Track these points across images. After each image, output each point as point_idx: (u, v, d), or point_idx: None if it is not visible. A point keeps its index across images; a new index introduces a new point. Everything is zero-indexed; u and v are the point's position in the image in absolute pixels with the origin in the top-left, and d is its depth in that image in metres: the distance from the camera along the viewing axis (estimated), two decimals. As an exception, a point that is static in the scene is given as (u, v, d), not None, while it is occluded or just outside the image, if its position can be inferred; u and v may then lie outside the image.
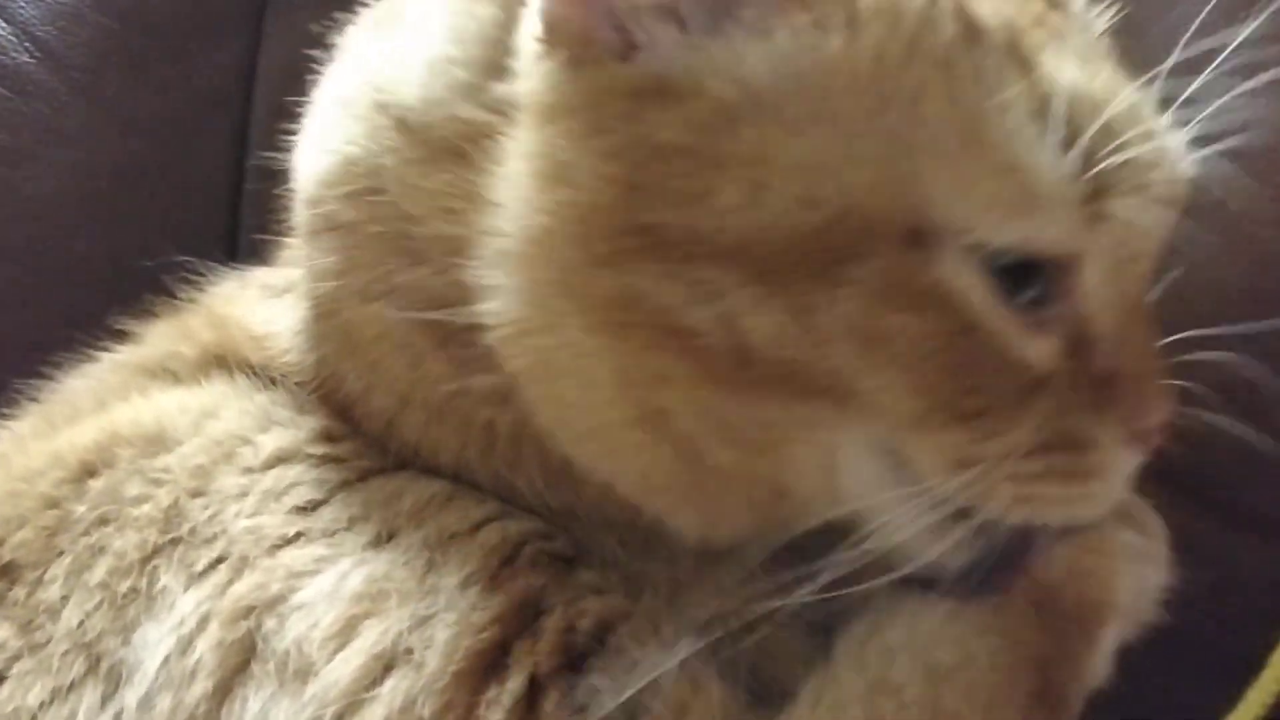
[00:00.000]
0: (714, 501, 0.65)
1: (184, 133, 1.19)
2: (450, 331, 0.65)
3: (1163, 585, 0.67)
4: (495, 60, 0.64)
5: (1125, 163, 0.58)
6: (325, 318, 0.71)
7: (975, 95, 0.57)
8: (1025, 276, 0.59)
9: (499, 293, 0.62)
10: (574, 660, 0.61)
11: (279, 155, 0.77)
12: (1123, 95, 0.59)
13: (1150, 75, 0.62)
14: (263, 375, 0.74)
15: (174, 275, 0.85)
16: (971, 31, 0.58)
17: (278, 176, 1.15)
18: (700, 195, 0.57)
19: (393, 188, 0.66)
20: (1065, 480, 0.61)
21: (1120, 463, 0.62)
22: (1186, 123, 0.62)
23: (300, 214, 0.73)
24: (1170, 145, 0.62)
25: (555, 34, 0.60)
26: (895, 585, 0.62)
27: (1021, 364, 0.59)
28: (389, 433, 0.70)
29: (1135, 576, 0.65)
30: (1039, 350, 0.60)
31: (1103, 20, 0.68)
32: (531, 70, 0.62)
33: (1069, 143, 0.57)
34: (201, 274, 0.84)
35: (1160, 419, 0.62)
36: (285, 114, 1.17)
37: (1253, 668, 0.69)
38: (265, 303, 0.78)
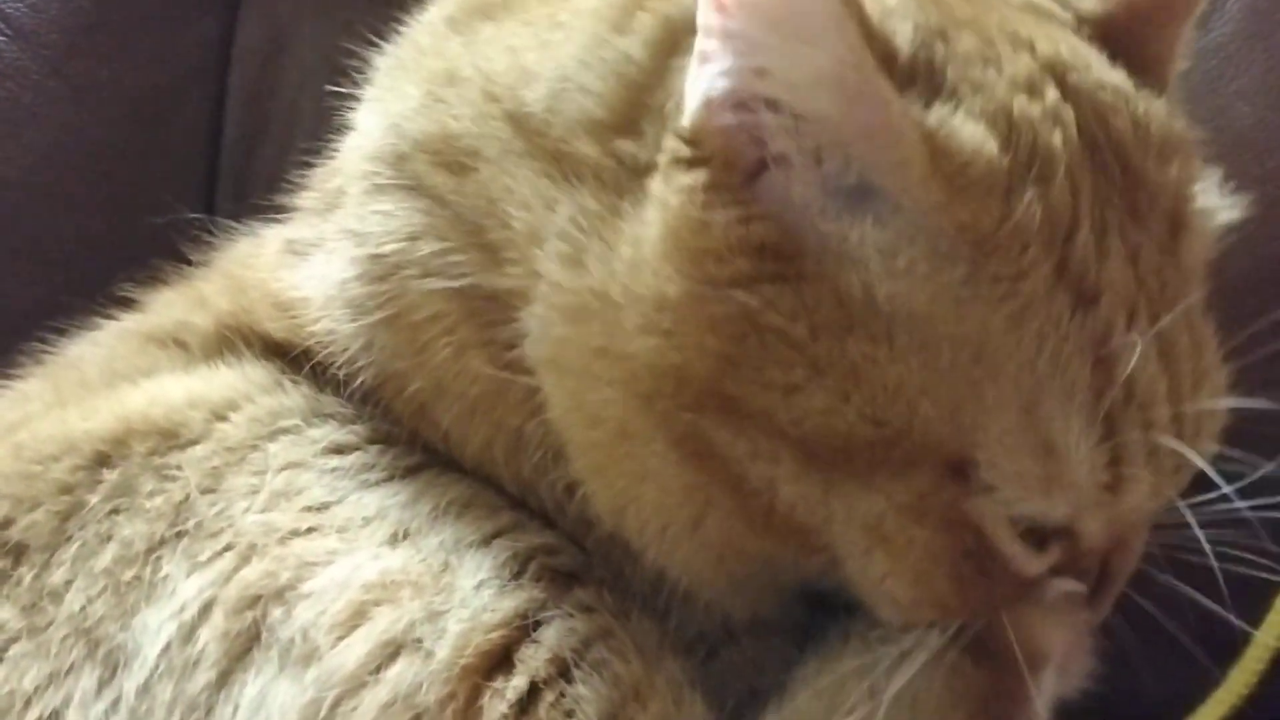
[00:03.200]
0: (744, 590, 0.68)
1: (158, 110, 1.17)
2: (494, 330, 0.66)
3: (1089, 668, 0.70)
4: (630, 112, 0.64)
5: (1150, 459, 0.60)
6: (379, 281, 0.70)
7: (1049, 373, 0.58)
8: None
9: (584, 392, 0.64)
10: (564, 670, 0.63)
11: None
12: (1172, 397, 0.61)
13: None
14: (279, 363, 0.74)
15: (170, 239, 0.85)
16: (1083, 299, 0.59)
17: (256, 152, 1.16)
18: (788, 390, 0.59)
19: (486, 170, 0.67)
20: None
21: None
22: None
23: (368, 163, 0.72)
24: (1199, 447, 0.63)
25: (699, 141, 0.60)
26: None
27: (1018, 577, 0.63)
28: (421, 415, 0.70)
29: (1067, 630, 0.67)
30: (1039, 564, 0.63)
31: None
32: (668, 175, 0.61)
33: (1107, 436, 0.59)
34: (211, 233, 0.84)
35: (1095, 620, 0.68)
36: (262, 90, 1.17)
37: (1236, 647, 0.73)
38: (290, 264, 0.77)
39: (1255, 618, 0.73)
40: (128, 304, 0.83)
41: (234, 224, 0.84)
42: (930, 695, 0.63)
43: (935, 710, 0.63)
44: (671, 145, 0.61)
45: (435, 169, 0.68)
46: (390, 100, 0.73)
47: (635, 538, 0.67)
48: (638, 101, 0.64)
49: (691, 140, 0.60)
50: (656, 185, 0.61)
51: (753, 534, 0.64)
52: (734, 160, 0.59)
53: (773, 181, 0.59)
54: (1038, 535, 0.62)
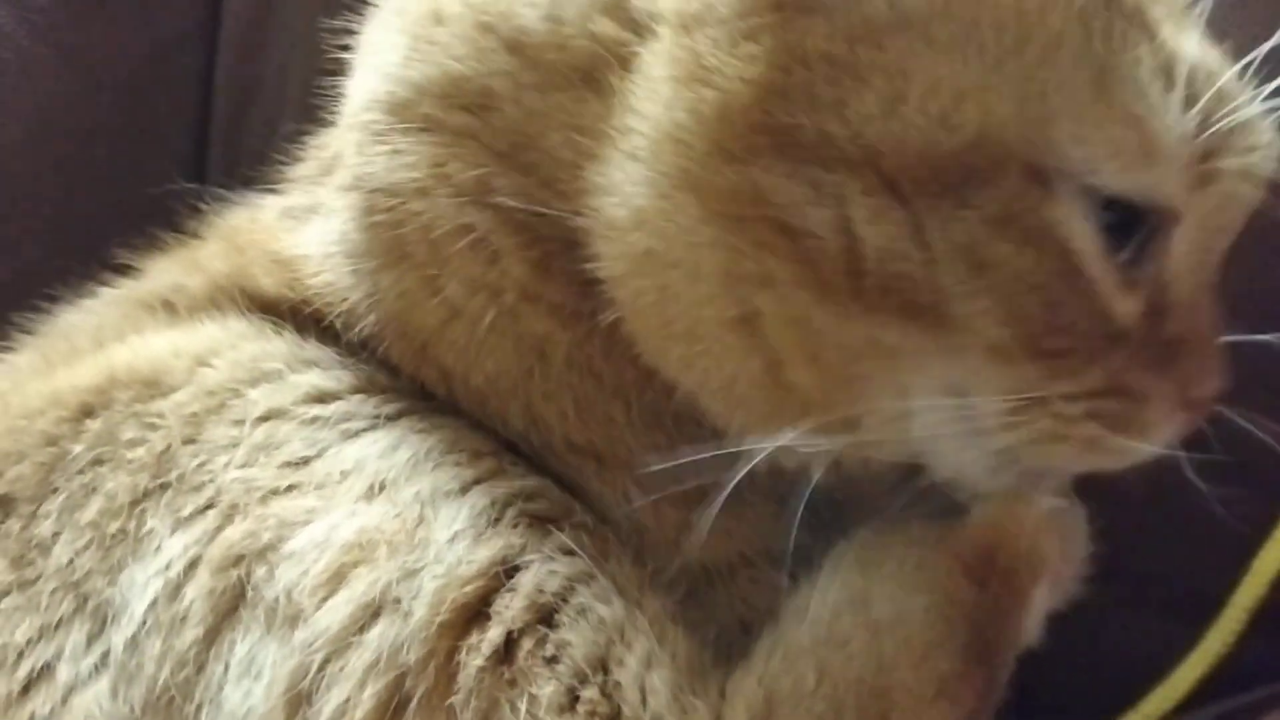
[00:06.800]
0: (787, 423, 0.65)
1: (148, 74, 1.16)
2: (539, 235, 0.67)
3: (1085, 557, 0.70)
4: None
5: (1235, 129, 0.62)
6: (380, 214, 0.70)
7: (1107, 50, 0.61)
8: (1124, 234, 0.62)
9: (620, 187, 0.64)
10: (545, 616, 0.64)
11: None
12: (1232, 70, 0.64)
13: (1248, 59, 0.65)
14: (264, 315, 0.75)
15: (161, 206, 0.85)
16: None
17: (247, 114, 1.16)
18: (839, 102, 0.60)
19: (508, 109, 0.68)
20: (1110, 426, 0.63)
21: (1166, 423, 0.65)
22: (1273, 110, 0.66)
23: (367, 117, 0.73)
24: (1267, 122, 0.65)
25: None
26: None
27: (1109, 315, 0.62)
28: (421, 356, 0.71)
29: (1061, 541, 0.68)
30: (1126, 305, 0.63)
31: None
32: None
33: (1190, 104, 0.61)
34: (207, 204, 0.84)
35: (1214, 389, 0.65)
36: (252, 51, 1.17)
37: (1212, 608, 0.73)
38: (288, 228, 0.78)
39: (1234, 578, 0.74)
40: (122, 271, 0.83)
41: (228, 195, 0.85)
42: (925, 625, 0.64)
43: (931, 641, 0.64)
44: None
45: (451, 110, 0.69)
46: (380, 55, 0.74)
47: (692, 380, 0.67)
48: None
49: None
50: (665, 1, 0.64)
51: (832, 305, 0.62)
52: None
53: None
54: (1126, 268, 0.62)
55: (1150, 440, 0.64)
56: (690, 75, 0.62)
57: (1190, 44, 0.63)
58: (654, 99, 0.63)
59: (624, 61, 0.65)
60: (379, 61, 0.73)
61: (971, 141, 0.60)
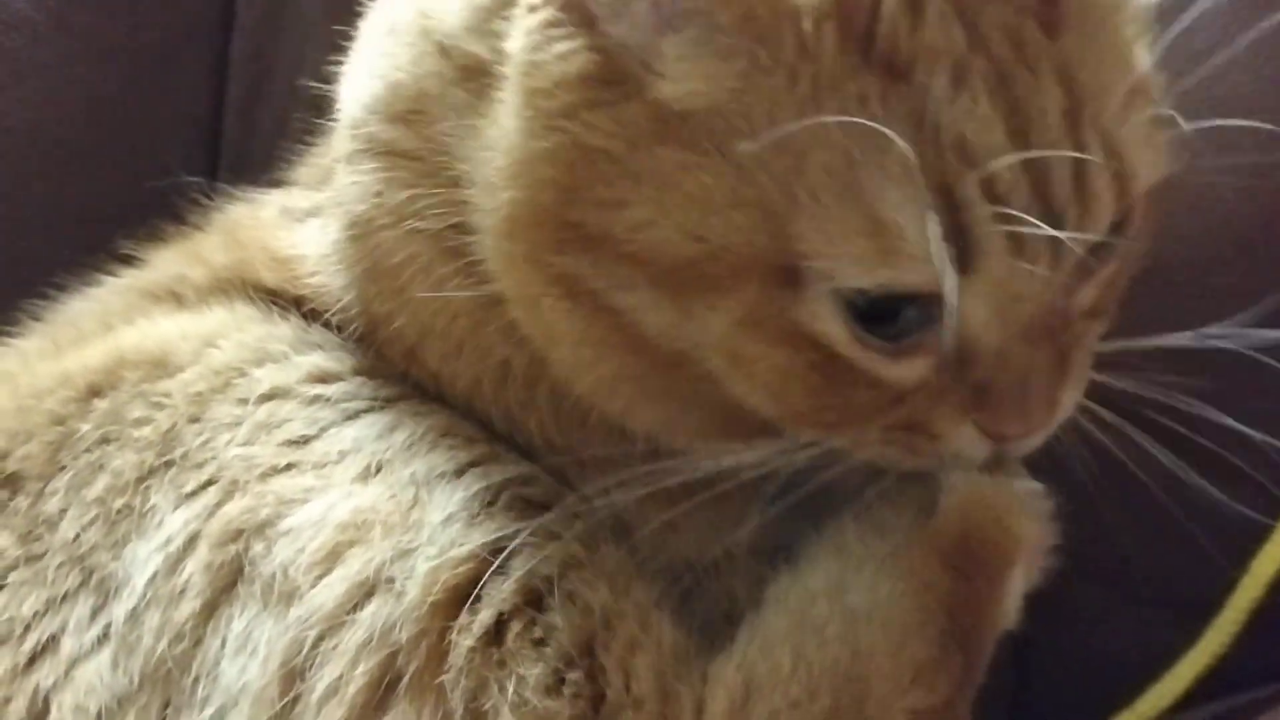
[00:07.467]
0: (717, 433, 0.68)
1: (163, 62, 1.17)
2: (471, 263, 0.68)
3: (1049, 543, 0.69)
4: None
5: (999, 222, 0.57)
6: (357, 240, 0.73)
7: (860, 151, 0.57)
8: (893, 311, 0.60)
9: (500, 264, 0.66)
10: (534, 599, 0.65)
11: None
12: (1012, 153, 0.57)
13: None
14: (269, 302, 0.76)
15: (170, 196, 0.87)
16: (895, 71, 0.57)
17: (260, 105, 1.17)
18: (616, 204, 0.61)
19: (435, 109, 0.69)
20: (907, 451, 0.64)
21: (971, 450, 0.64)
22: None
23: (342, 139, 0.75)
24: (1079, 191, 0.59)
25: None
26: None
27: (885, 384, 0.62)
28: (411, 358, 0.73)
29: (1035, 524, 0.68)
30: (906, 372, 0.62)
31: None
32: (519, 25, 0.63)
33: (940, 203, 0.56)
34: (209, 198, 0.86)
35: (1017, 430, 0.63)
36: (266, 43, 1.18)
37: (1211, 609, 0.74)
38: (289, 227, 0.80)
39: (1233, 579, 0.74)
40: (127, 260, 0.85)
41: (233, 191, 0.86)
42: (902, 612, 0.64)
43: (907, 628, 0.64)
44: None
45: (389, 125, 0.71)
46: (348, 80, 0.76)
47: (605, 405, 0.69)
48: None
49: None
50: (510, 41, 0.64)
51: (653, 367, 0.65)
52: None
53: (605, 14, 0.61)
54: (905, 335, 0.60)
55: (953, 458, 0.65)
56: (510, 169, 0.63)
57: (971, 124, 0.57)
58: (494, 179, 0.64)
59: (493, 79, 0.66)
60: (349, 81, 0.76)
61: (713, 252, 0.59)
